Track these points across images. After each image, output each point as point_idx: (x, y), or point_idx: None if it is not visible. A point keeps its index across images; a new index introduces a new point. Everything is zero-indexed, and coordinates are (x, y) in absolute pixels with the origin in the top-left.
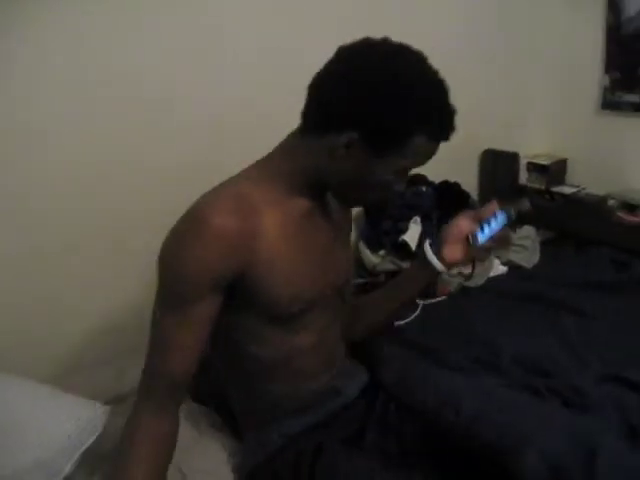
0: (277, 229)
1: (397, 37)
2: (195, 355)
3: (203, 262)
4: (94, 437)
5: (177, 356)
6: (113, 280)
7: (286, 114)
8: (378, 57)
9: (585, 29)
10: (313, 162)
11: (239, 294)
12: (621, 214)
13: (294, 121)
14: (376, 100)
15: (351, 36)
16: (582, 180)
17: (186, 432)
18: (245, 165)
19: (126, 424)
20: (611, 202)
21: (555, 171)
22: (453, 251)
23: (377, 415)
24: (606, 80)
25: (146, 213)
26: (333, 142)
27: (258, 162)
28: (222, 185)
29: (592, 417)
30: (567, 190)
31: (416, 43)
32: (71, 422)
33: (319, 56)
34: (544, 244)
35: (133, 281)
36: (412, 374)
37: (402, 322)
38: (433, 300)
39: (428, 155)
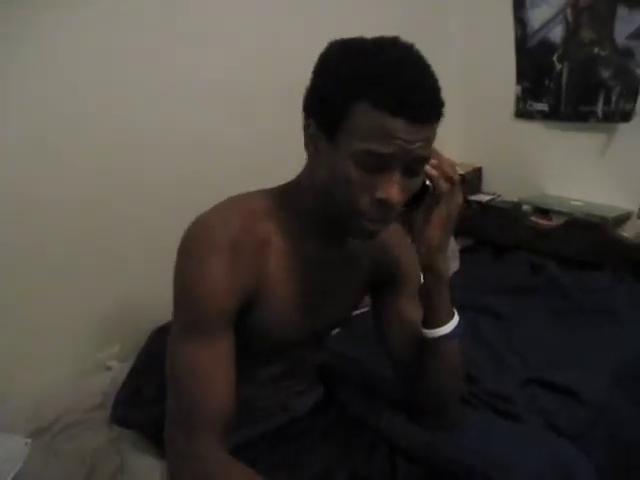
0: (280, 263)
1: None
2: (234, 385)
3: (225, 277)
4: (15, 470)
5: (220, 389)
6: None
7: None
8: (343, 43)
9: (495, 41)
10: (311, 177)
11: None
12: (535, 219)
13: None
14: (317, 76)
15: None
16: (497, 187)
17: (110, 458)
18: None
19: None
20: (525, 207)
21: (471, 180)
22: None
23: (328, 432)
24: (518, 90)
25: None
26: (305, 139)
27: (270, 189)
28: (230, 202)
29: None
30: (483, 198)
31: None
32: None
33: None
34: (463, 251)
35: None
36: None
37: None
38: (358, 311)
39: (385, 132)
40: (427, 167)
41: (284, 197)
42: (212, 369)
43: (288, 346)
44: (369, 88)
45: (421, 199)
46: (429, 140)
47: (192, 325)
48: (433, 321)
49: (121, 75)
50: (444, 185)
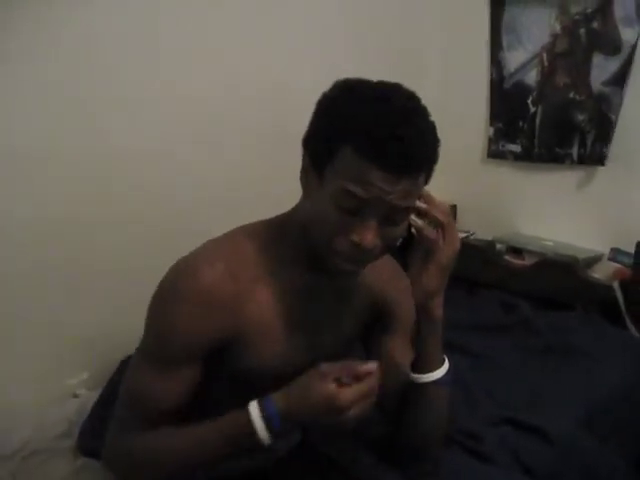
0: (269, 300)
1: None
2: (173, 410)
3: (195, 328)
4: None
5: (167, 403)
6: None
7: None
8: (345, 84)
9: (471, 82)
10: (301, 208)
11: (216, 357)
12: (508, 257)
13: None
14: (315, 112)
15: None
16: (471, 225)
17: None
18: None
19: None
20: (499, 246)
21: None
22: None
23: (304, 473)
24: (490, 131)
25: None
26: (300, 170)
27: (268, 220)
28: (218, 242)
29: None
30: None
31: None
32: None
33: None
34: None
35: None
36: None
37: None
38: None
39: (363, 178)
40: (412, 217)
41: (278, 228)
42: (164, 393)
43: (275, 382)
44: (354, 134)
45: (409, 245)
46: (409, 192)
47: (155, 359)
48: (423, 366)
49: (94, 100)
50: (431, 233)
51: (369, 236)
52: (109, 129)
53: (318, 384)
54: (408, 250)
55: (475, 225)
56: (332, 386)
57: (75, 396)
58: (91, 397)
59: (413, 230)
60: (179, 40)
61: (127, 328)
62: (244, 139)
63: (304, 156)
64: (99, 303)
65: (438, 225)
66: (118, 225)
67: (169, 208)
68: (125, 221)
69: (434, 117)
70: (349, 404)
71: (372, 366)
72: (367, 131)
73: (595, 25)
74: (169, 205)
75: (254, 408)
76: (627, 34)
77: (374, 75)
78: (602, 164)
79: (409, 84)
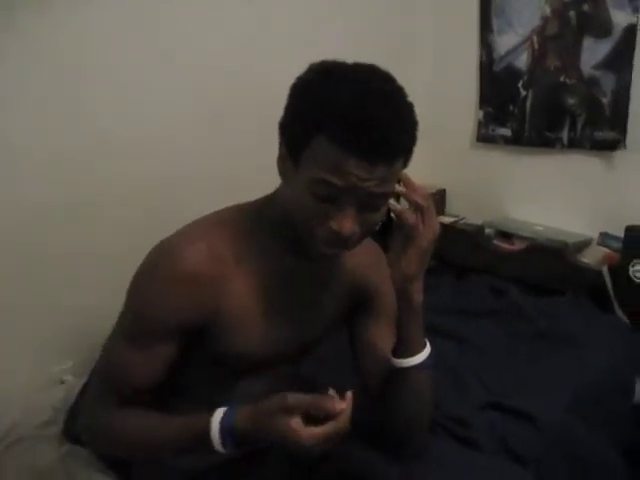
0: (249, 283)
1: None
2: (148, 387)
3: (173, 306)
4: None
5: (141, 376)
6: None
7: None
8: (320, 68)
9: (460, 66)
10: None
11: (196, 338)
12: (498, 242)
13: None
14: (290, 97)
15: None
16: (461, 210)
17: (60, 474)
18: None
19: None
20: (488, 231)
21: (434, 201)
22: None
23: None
24: (480, 115)
25: None
26: (278, 156)
27: (248, 203)
28: (200, 223)
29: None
30: (446, 220)
31: None
32: None
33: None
34: (426, 273)
35: None
36: None
37: None
38: None
39: (338, 166)
40: (391, 201)
41: (259, 212)
42: (139, 369)
43: (259, 365)
44: (327, 122)
45: (388, 229)
46: (386, 178)
47: (132, 335)
48: (404, 350)
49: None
50: (411, 217)
51: (347, 224)
52: (109, 129)
53: (281, 420)
54: (388, 234)
55: (464, 210)
56: (296, 423)
57: (62, 382)
58: (77, 384)
59: (392, 214)
60: (179, 39)
61: (114, 315)
62: (245, 127)
63: (280, 143)
64: (85, 290)
65: (418, 209)
66: (104, 211)
67: (159, 196)
68: (111, 209)
69: (424, 101)
70: (313, 444)
71: (343, 405)
72: (342, 117)
73: (585, 8)
74: (159, 193)
75: (215, 422)
76: (618, 17)
77: (367, 61)
78: (613, 149)
79: (399, 68)
